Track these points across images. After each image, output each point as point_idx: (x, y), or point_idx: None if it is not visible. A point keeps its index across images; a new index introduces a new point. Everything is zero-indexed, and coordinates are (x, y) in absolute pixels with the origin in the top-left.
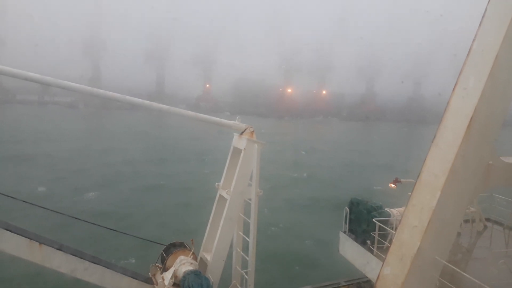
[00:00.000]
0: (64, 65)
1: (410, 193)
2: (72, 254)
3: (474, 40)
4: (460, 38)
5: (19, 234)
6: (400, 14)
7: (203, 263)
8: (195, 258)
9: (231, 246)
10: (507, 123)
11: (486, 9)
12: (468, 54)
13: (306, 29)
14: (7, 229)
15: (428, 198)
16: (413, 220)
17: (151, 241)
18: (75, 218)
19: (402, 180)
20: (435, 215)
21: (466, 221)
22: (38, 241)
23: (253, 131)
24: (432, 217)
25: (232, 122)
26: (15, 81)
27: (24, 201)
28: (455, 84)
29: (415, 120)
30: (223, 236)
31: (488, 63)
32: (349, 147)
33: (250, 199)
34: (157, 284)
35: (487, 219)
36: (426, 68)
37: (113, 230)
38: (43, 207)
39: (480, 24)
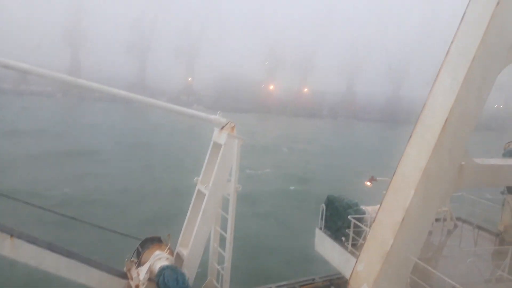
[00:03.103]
0: (42, 54)
1: (384, 192)
2: (42, 247)
3: (452, 42)
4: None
5: None
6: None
7: (179, 258)
8: (171, 253)
9: (208, 241)
10: (478, 127)
11: (464, 13)
12: (445, 56)
13: (289, 26)
14: None
15: (402, 196)
16: (387, 218)
17: (126, 235)
18: (49, 210)
19: (377, 178)
20: (408, 214)
21: (438, 219)
22: (9, 234)
23: (233, 126)
24: (405, 216)
25: (212, 116)
26: None
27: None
28: (432, 85)
29: (394, 119)
30: (200, 231)
31: (464, 66)
32: (328, 145)
33: (228, 195)
34: (132, 279)
35: (458, 218)
36: (408, 68)
37: (86, 222)
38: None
39: (458, 27)
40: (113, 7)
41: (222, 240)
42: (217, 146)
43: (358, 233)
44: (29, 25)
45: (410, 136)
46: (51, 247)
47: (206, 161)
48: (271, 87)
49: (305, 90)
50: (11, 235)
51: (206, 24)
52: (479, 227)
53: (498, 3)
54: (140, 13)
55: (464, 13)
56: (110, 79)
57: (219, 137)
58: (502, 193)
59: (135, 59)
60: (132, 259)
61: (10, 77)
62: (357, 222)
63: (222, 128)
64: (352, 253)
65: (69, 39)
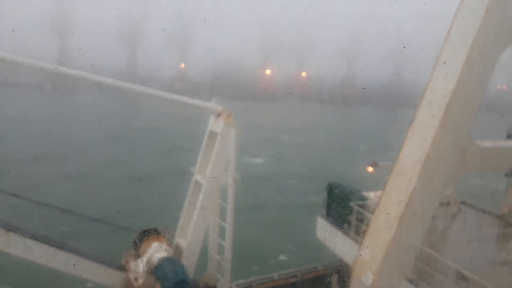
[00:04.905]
0: (30, 44)
1: (387, 177)
2: (38, 241)
3: (451, 25)
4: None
5: None
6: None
7: (178, 249)
8: (169, 245)
9: (207, 232)
10: (481, 109)
11: None
12: (446, 39)
13: (287, 8)
14: None
15: (405, 181)
16: (390, 204)
17: (123, 227)
18: (43, 203)
19: (380, 163)
20: (411, 199)
21: (441, 204)
22: (5, 229)
23: (230, 113)
24: (409, 201)
25: (208, 103)
26: None
27: None
28: (433, 68)
29: (396, 103)
30: (199, 222)
31: (465, 48)
32: (329, 130)
33: (227, 184)
34: (130, 272)
35: (462, 202)
36: (408, 51)
37: (82, 215)
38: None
39: (458, 9)
40: None
41: (223, 230)
42: (213, 134)
43: (361, 220)
44: (14, 15)
45: (412, 120)
46: (47, 241)
47: (202, 149)
48: (268, 72)
49: (304, 74)
50: (7, 230)
51: (199, 7)
52: (483, 211)
53: None
54: None
55: None
56: (100, 68)
57: (215, 125)
58: (507, 175)
59: (125, 46)
60: (130, 251)
61: None
62: (359, 209)
63: (218, 115)
64: (355, 240)
65: (57, 28)
